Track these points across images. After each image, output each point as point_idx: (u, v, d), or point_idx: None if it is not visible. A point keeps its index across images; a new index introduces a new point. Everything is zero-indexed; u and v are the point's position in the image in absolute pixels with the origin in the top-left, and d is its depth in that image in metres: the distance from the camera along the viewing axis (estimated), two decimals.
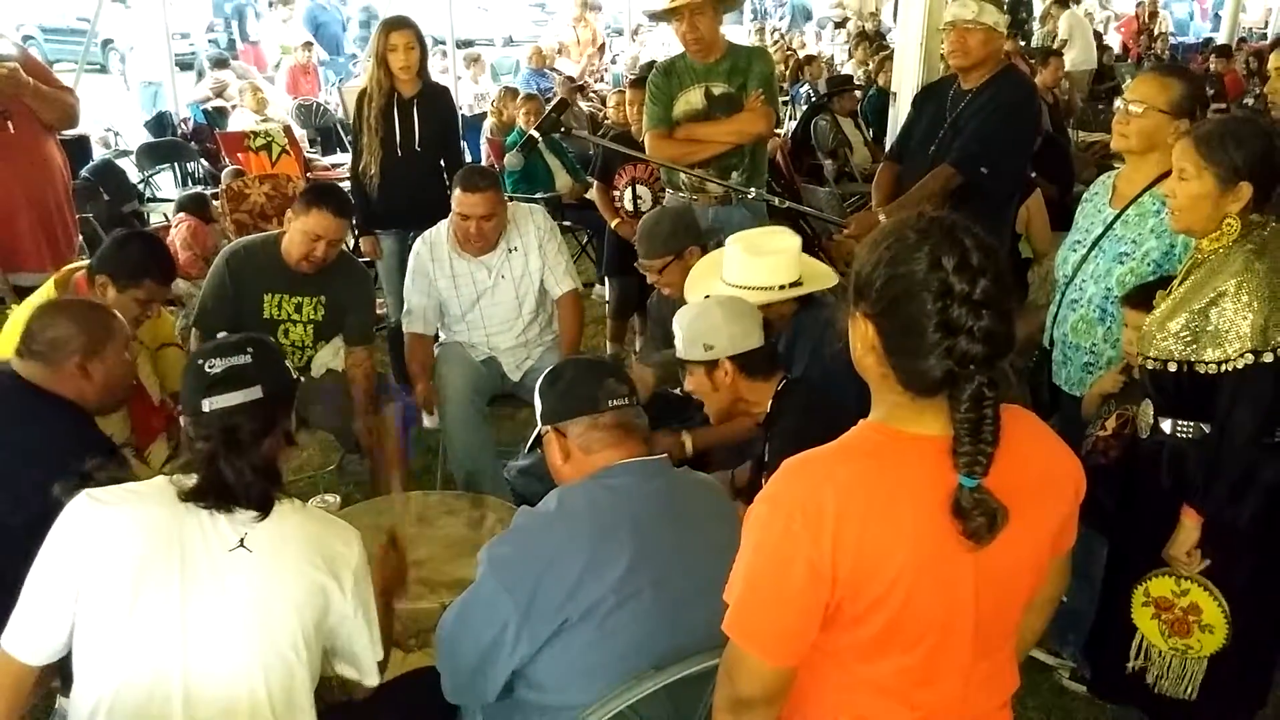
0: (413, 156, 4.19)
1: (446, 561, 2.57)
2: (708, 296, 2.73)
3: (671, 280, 3.31)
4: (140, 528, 1.64)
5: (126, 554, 1.62)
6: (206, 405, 1.69)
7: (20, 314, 2.82)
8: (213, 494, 1.66)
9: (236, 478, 1.66)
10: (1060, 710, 2.80)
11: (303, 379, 2.78)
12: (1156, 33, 14.44)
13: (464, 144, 8.35)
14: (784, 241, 2.92)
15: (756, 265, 2.83)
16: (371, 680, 1.87)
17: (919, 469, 1.28)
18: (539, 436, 2.00)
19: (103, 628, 1.62)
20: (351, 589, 1.77)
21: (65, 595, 1.62)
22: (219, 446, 1.67)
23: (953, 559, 1.29)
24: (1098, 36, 13.65)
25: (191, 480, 1.67)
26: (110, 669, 1.63)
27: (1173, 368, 2.18)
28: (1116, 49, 13.44)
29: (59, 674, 1.70)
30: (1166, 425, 2.28)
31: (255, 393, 1.71)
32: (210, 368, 1.71)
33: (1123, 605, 2.36)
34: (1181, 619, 2.28)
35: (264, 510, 1.69)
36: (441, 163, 4.33)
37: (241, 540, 1.67)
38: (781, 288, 2.80)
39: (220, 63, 9.86)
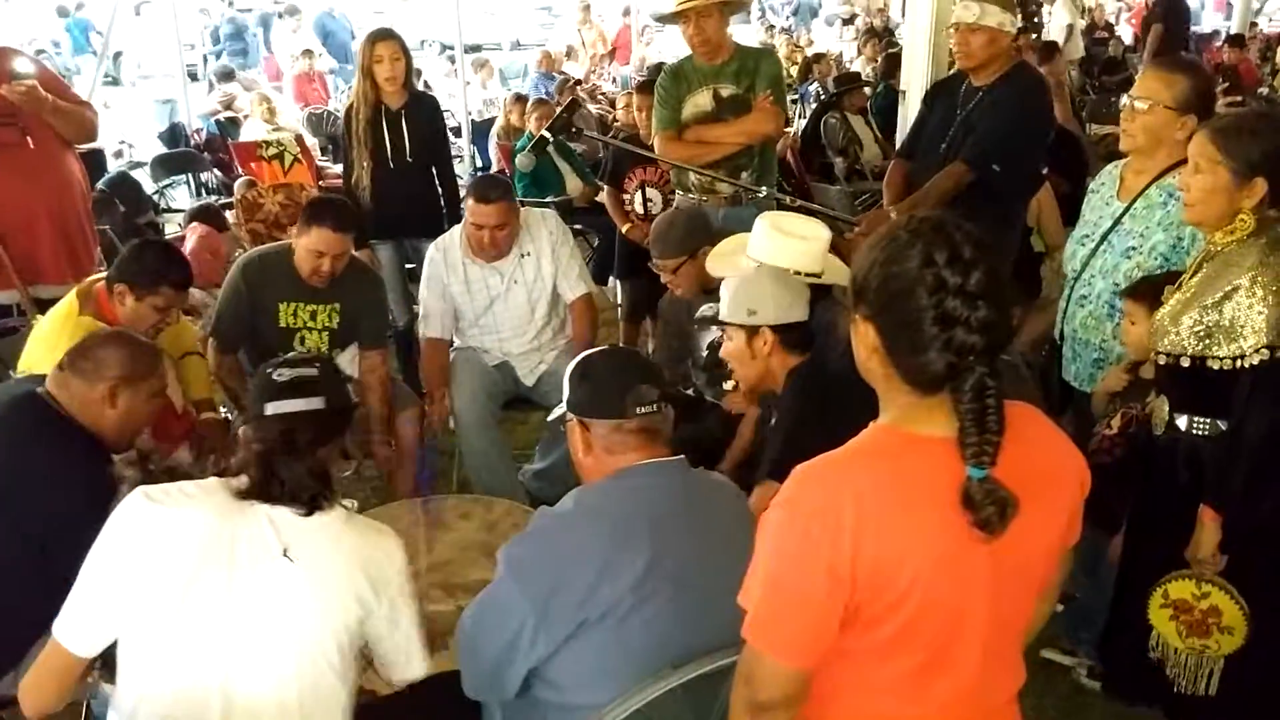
0: (404, 167, 4.21)
1: (463, 565, 2.59)
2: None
3: (685, 281, 3.32)
4: (193, 529, 1.67)
5: (178, 554, 1.65)
6: (270, 409, 1.73)
7: (44, 329, 2.86)
8: (264, 490, 1.70)
9: (290, 477, 1.70)
10: (1078, 708, 2.79)
11: None
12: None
13: (474, 149, 8.45)
14: (813, 229, 2.91)
15: (780, 245, 2.83)
16: (412, 673, 1.89)
17: (932, 469, 1.30)
18: (555, 419, 2.00)
19: (150, 628, 1.66)
20: (394, 595, 1.79)
21: (116, 591, 1.66)
22: (276, 448, 1.70)
23: (969, 556, 1.30)
24: (1109, 28, 13.60)
25: (244, 481, 1.71)
26: (154, 667, 1.67)
27: (1185, 363, 2.18)
28: (1128, 40, 13.36)
29: (103, 662, 1.74)
30: (1182, 421, 2.27)
31: (317, 403, 1.76)
32: (279, 376, 1.77)
33: (1139, 605, 2.34)
34: (1201, 621, 2.26)
35: (311, 510, 1.72)
36: (433, 172, 4.36)
37: (285, 550, 1.70)
38: (798, 274, 2.79)
39: (226, 75, 9.93)
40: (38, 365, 2.70)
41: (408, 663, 1.87)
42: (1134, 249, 2.65)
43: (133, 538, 1.66)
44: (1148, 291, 2.44)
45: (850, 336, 1.40)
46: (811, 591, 1.29)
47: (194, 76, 11.00)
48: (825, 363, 2.58)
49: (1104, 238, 2.74)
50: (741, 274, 2.61)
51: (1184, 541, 2.25)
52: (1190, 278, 2.24)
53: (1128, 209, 2.69)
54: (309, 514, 1.72)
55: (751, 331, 2.49)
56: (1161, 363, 2.25)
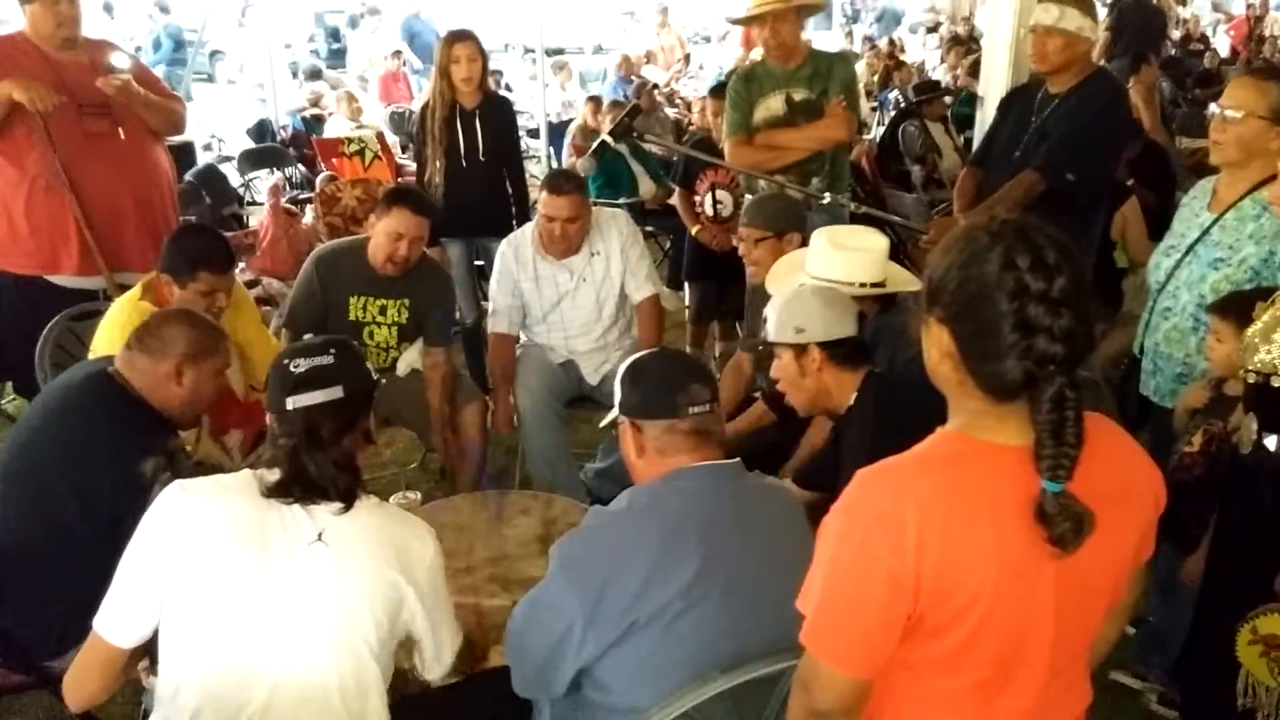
0: (476, 166, 4.26)
1: (520, 560, 2.60)
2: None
3: (762, 258, 3.27)
4: (226, 519, 1.70)
5: (213, 544, 1.68)
6: (290, 404, 1.74)
7: (112, 314, 2.94)
8: (297, 487, 1.71)
9: (319, 471, 1.71)
10: None
11: (384, 380, 2.86)
12: (1266, 35, 13.85)
13: (550, 150, 8.52)
14: (870, 240, 2.88)
15: (838, 259, 2.79)
16: (436, 674, 1.90)
17: (1000, 479, 1.26)
18: (608, 424, 2.00)
19: (186, 613, 1.68)
20: (425, 586, 1.80)
21: (154, 581, 1.68)
22: (301, 443, 1.72)
23: (1035, 570, 1.26)
24: (1204, 39, 13.17)
25: (275, 475, 1.73)
26: (192, 655, 1.69)
27: (1276, 382, 2.09)
28: (1225, 52, 12.93)
29: (147, 654, 1.77)
30: (1271, 442, 2.16)
31: (337, 392, 1.76)
32: (295, 368, 1.76)
33: (1222, 635, 2.24)
34: None
35: (348, 502, 1.73)
36: (504, 172, 4.40)
37: (320, 535, 1.71)
38: (862, 285, 2.76)
39: (314, 74, 10.18)
40: (105, 347, 2.78)
41: (437, 664, 1.88)
42: (1222, 260, 2.56)
43: (168, 527, 1.69)
44: (1237, 308, 2.34)
45: (920, 339, 1.36)
46: (871, 599, 1.26)
47: (295, 73, 11.31)
48: (894, 373, 2.55)
49: (1190, 249, 2.65)
50: (785, 293, 2.57)
51: (1270, 568, 2.15)
52: None
53: (1217, 220, 2.60)
54: (347, 509, 1.73)
55: (799, 350, 2.46)
56: (1251, 380, 2.16)
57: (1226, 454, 2.35)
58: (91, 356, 2.89)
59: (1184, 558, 2.47)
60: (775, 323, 2.51)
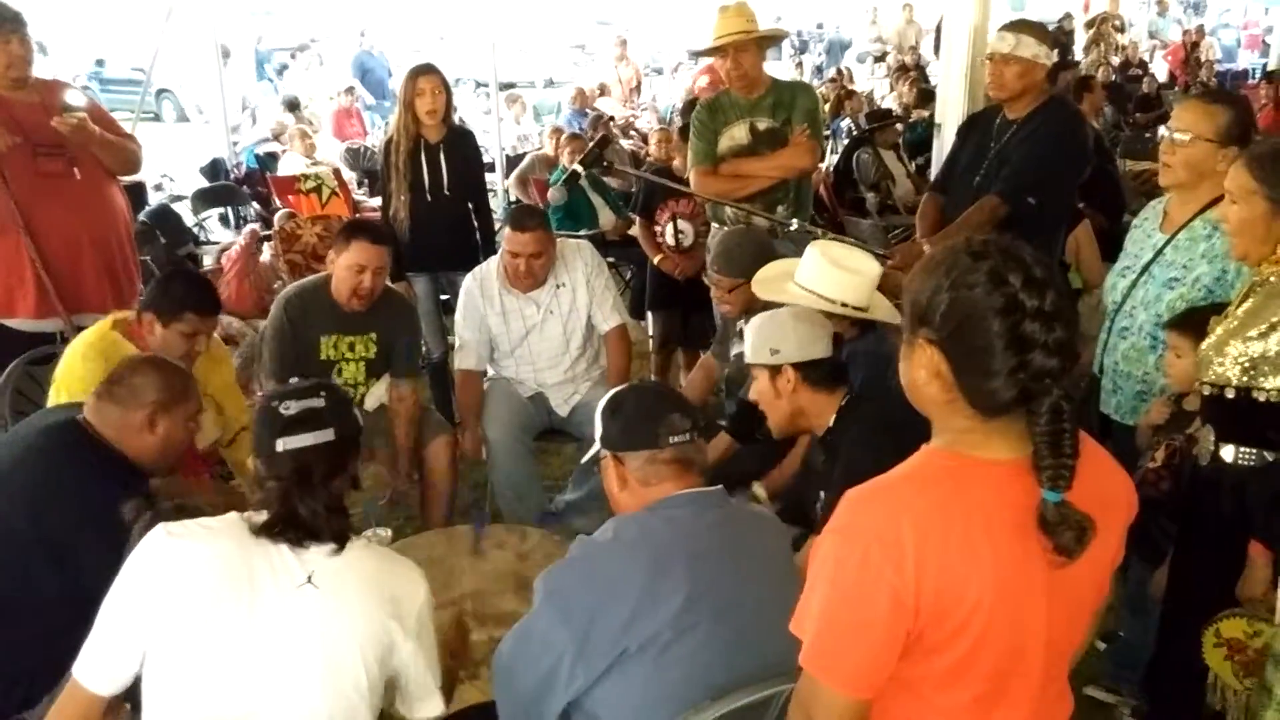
0: (441, 200, 4.25)
1: (495, 595, 2.58)
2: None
3: (735, 301, 3.31)
4: (212, 561, 1.67)
5: (198, 587, 1.65)
6: (281, 445, 1.72)
7: (72, 358, 2.89)
8: (289, 527, 1.69)
9: (310, 514, 1.69)
10: None
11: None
12: (1203, 60, 14.29)
13: (507, 184, 8.53)
14: (864, 264, 2.91)
15: (830, 276, 2.82)
16: (421, 716, 1.87)
17: (992, 494, 1.28)
18: (589, 460, 2.00)
19: (172, 659, 1.65)
20: (415, 630, 1.78)
21: (136, 626, 1.65)
22: (292, 485, 1.70)
23: (1027, 583, 1.29)
24: (1143, 65, 13.55)
25: (262, 516, 1.70)
26: (178, 702, 1.65)
27: (1230, 394, 2.15)
28: (1163, 76, 13.31)
29: (129, 700, 1.73)
30: (1228, 453, 2.23)
31: (328, 435, 1.75)
32: (285, 410, 1.75)
33: (1189, 643, 2.28)
34: (1256, 660, 2.21)
35: (341, 544, 1.72)
36: (469, 205, 4.40)
37: (309, 577, 1.69)
38: (844, 305, 2.79)
39: (292, 105, 10.10)
40: (68, 376, 2.77)
41: (425, 699, 1.85)
42: (1177, 280, 2.62)
43: (151, 572, 1.66)
44: (1193, 323, 2.40)
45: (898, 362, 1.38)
46: (873, 618, 1.27)
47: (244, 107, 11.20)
48: (886, 396, 2.57)
49: (1145, 269, 2.71)
50: (760, 315, 2.60)
51: (1231, 574, 2.21)
52: (1236, 308, 2.21)
53: (1170, 240, 2.66)
54: (340, 550, 1.71)
55: (774, 370, 2.49)
56: (1206, 393, 2.21)
57: (1187, 467, 2.41)
58: (54, 387, 2.84)
59: (1153, 573, 2.51)
60: (751, 344, 2.53)
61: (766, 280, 3.02)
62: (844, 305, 2.78)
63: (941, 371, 1.29)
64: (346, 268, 3.35)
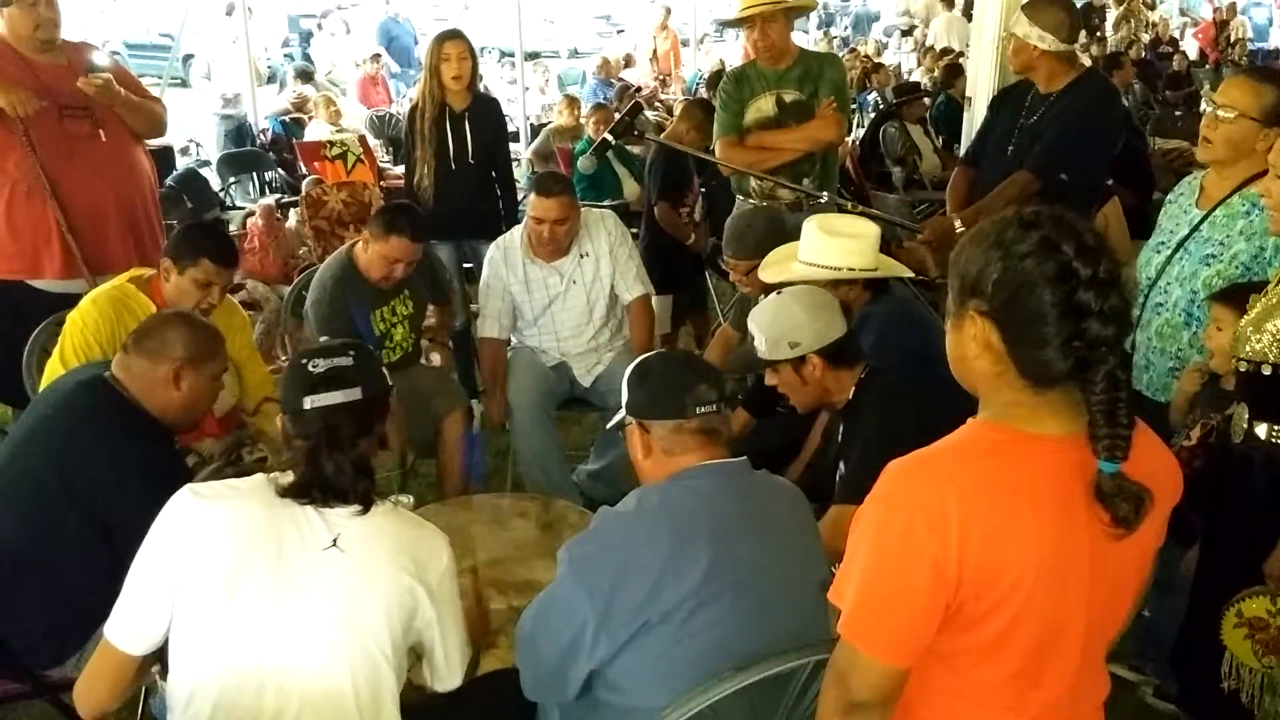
0: (466, 168, 4.24)
1: (518, 563, 2.58)
2: (778, 291, 2.70)
3: (755, 282, 3.30)
4: (239, 523, 1.67)
5: (225, 549, 1.65)
6: (308, 403, 1.72)
7: (84, 303, 2.88)
8: (315, 488, 1.69)
9: (336, 473, 1.69)
10: None
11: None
12: (1234, 38, 14.05)
13: (528, 152, 8.51)
14: (862, 227, 2.89)
15: (831, 245, 2.81)
16: (450, 684, 1.88)
17: (1039, 469, 1.27)
18: (614, 426, 1.99)
19: (199, 620, 1.66)
20: (439, 594, 1.78)
21: (165, 587, 1.66)
22: (320, 443, 1.69)
23: (1071, 561, 1.27)
24: (1174, 42, 13.35)
25: (289, 477, 1.70)
26: (204, 660, 1.66)
27: (1267, 370, 2.12)
28: (1193, 54, 13.11)
29: (159, 659, 1.74)
30: (1261, 430, 2.20)
31: (355, 393, 1.75)
32: (314, 367, 1.75)
33: (1213, 622, 2.27)
34: (1277, 638, 2.20)
35: (366, 505, 1.71)
36: (493, 174, 4.38)
37: (335, 540, 1.69)
38: (851, 270, 2.77)
39: (305, 76, 10.09)
40: (75, 320, 2.78)
41: (449, 674, 1.86)
42: (1213, 256, 2.58)
43: (179, 533, 1.67)
44: (1238, 297, 2.35)
45: (946, 337, 1.35)
46: (914, 588, 1.26)
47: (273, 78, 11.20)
48: (898, 363, 2.56)
49: (1180, 245, 2.67)
50: (766, 308, 2.57)
51: (1261, 554, 2.18)
52: (1276, 285, 2.17)
53: (1207, 216, 2.62)
54: (365, 512, 1.71)
55: (798, 362, 2.46)
56: (1242, 369, 2.18)
57: (1221, 446, 2.38)
58: (64, 330, 2.83)
59: (1183, 552, 2.49)
60: (767, 341, 2.49)
61: (772, 265, 3.01)
62: (850, 270, 2.77)
63: (993, 343, 1.28)
64: (382, 257, 3.38)
